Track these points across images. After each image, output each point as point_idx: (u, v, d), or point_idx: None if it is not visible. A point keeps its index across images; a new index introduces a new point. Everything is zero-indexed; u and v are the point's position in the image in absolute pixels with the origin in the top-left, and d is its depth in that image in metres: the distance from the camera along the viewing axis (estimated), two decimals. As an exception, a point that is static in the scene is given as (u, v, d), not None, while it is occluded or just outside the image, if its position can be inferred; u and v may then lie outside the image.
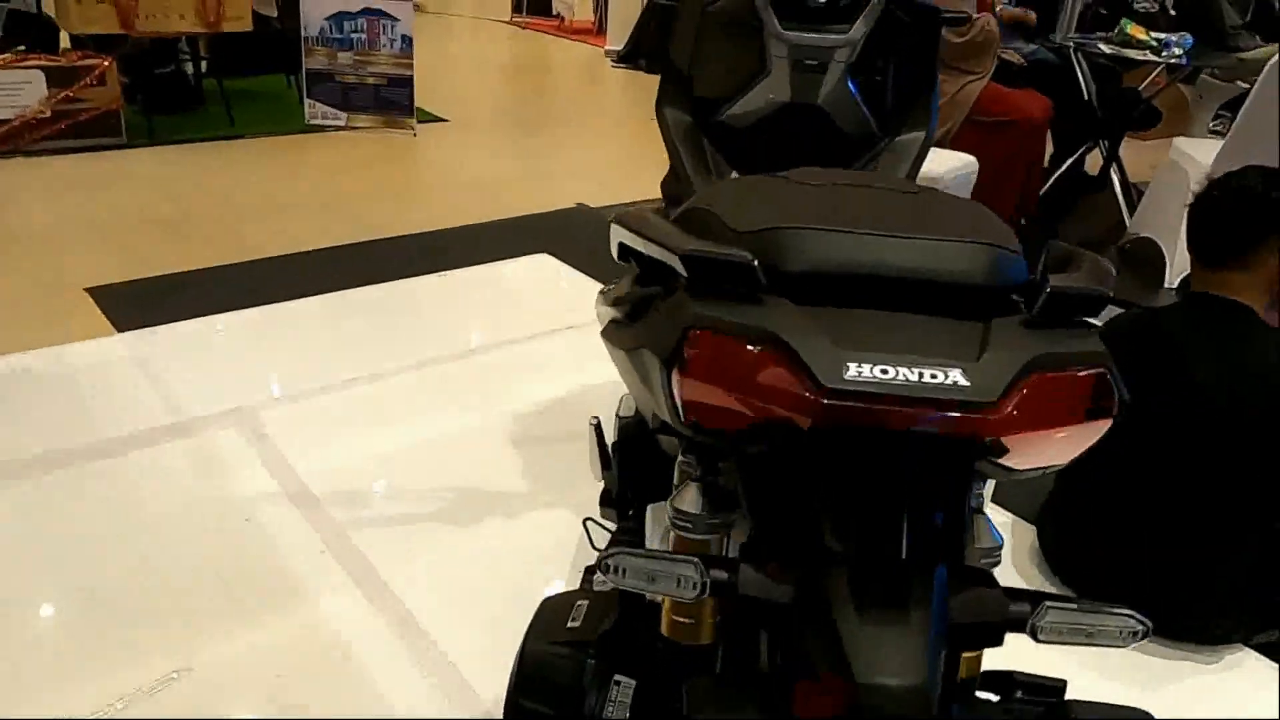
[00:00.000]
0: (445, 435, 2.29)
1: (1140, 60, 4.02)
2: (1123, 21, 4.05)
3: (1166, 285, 3.60)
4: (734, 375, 0.68)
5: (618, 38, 8.05)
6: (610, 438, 1.29)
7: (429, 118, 5.45)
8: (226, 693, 1.55)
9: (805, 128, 1.63)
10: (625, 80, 7.59)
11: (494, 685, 1.57)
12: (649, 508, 1.17)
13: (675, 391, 0.71)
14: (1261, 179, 1.74)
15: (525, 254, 3.54)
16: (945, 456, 0.70)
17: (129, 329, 2.71)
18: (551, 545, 1.92)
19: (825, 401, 0.66)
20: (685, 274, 0.73)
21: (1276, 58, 3.24)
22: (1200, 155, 3.57)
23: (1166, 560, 1.79)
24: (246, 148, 4.81)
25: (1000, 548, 0.83)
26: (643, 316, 0.83)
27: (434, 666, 1.62)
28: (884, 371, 0.66)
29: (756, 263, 0.71)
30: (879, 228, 0.76)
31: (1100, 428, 0.70)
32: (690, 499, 0.86)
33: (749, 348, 0.68)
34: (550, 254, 3.54)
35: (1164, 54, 3.92)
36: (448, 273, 3.23)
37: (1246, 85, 4.40)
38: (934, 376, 0.66)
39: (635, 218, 0.89)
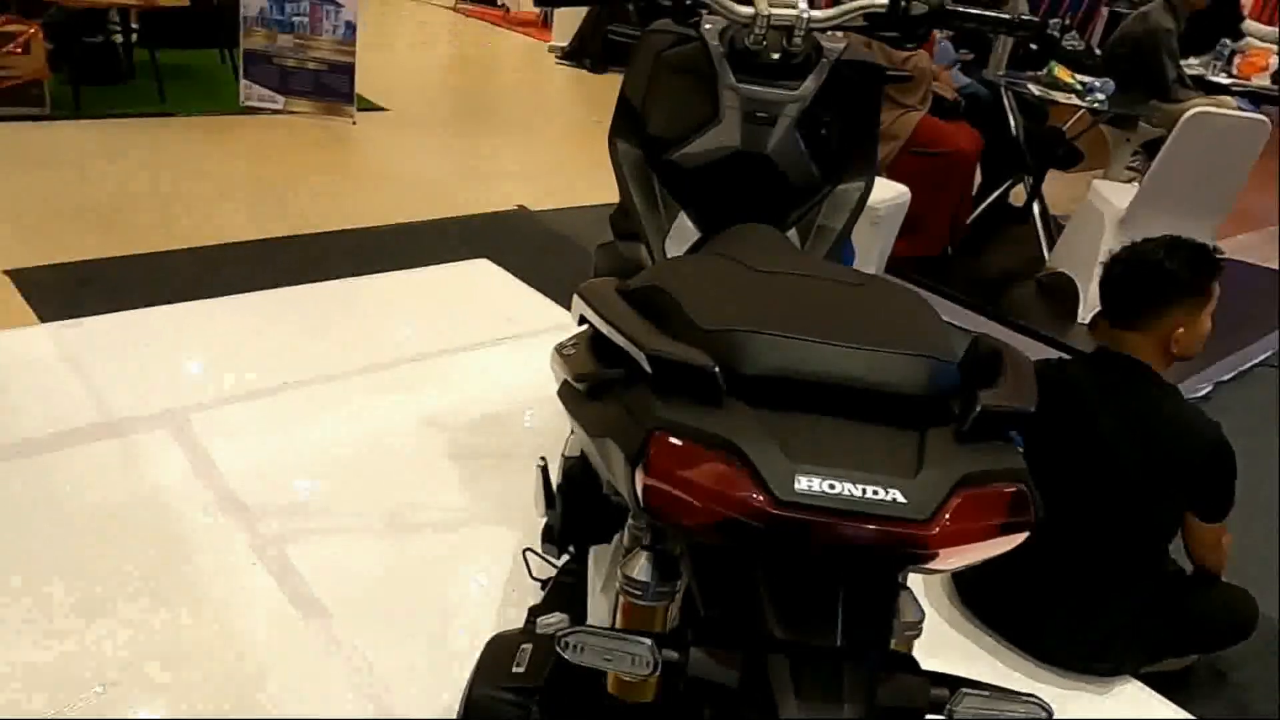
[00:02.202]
0: (381, 446, 2.29)
1: (1065, 103, 4.21)
2: (1050, 63, 4.22)
3: (1080, 320, 3.78)
4: (694, 477, 0.74)
5: (563, 33, 8.03)
6: (555, 477, 1.33)
7: (369, 106, 5.38)
8: (147, 709, 1.54)
9: (753, 174, 1.68)
10: (569, 78, 7.59)
11: (427, 708, 1.60)
12: (591, 550, 1.21)
13: (638, 486, 0.76)
14: (1165, 251, 1.87)
15: (464, 257, 3.53)
16: (880, 560, 0.76)
17: (53, 318, 2.64)
18: (489, 563, 1.95)
19: (774, 511, 0.72)
20: (649, 370, 0.78)
21: (1189, 113, 3.43)
22: (1116, 199, 3.76)
23: (1063, 597, 1.92)
24: (177, 126, 4.68)
25: (922, 620, 0.90)
26: (606, 398, 0.87)
27: (366, 688, 1.64)
28: (830, 486, 0.72)
29: (717, 369, 0.77)
30: (829, 333, 0.82)
31: (1018, 539, 0.77)
32: (640, 567, 0.91)
33: (709, 453, 0.74)
34: (489, 259, 3.55)
35: (1088, 98, 4.11)
36: (386, 274, 3.21)
37: (1167, 131, 4.65)
38: (875, 493, 0.72)
39: (600, 295, 0.93)
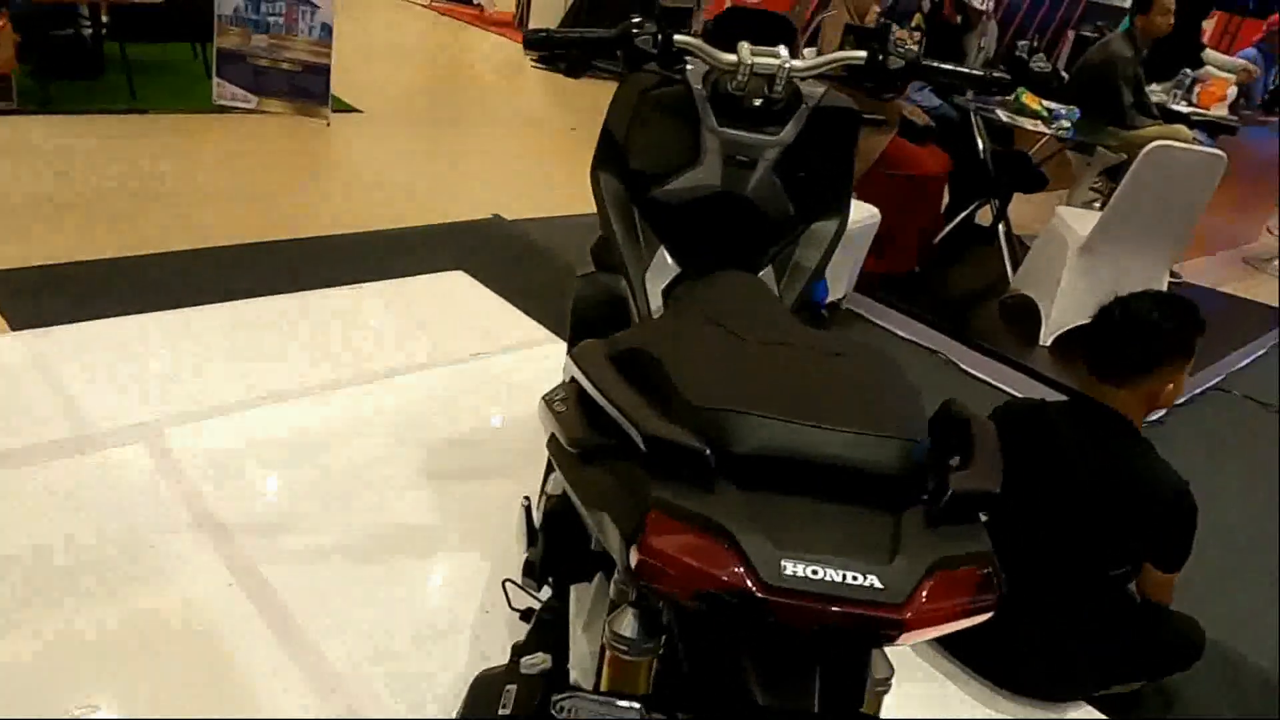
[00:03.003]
0: (359, 464, 2.31)
1: (1032, 129, 4.31)
2: (1019, 90, 4.32)
3: (1041, 343, 3.88)
4: (686, 557, 0.79)
5: (539, 36, 8.03)
6: (536, 513, 1.36)
7: (343, 107, 5.36)
8: (128, 731, 1.55)
9: (732, 214, 1.73)
10: (544, 82, 7.60)
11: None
12: (573, 589, 1.25)
13: (632, 560, 0.80)
14: (1159, 311, 1.90)
15: (438, 267, 3.55)
16: (857, 637, 0.82)
17: (22, 324, 2.62)
18: (467, 587, 1.97)
19: (761, 595, 0.78)
20: (644, 447, 0.83)
21: (1149, 147, 3.54)
22: (1078, 226, 3.86)
23: (1027, 627, 1.98)
24: (148, 124, 4.63)
25: (891, 676, 0.96)
26: (600, 466, 0.91)
27: (345, 714, 1.66)
28: (814, 572, 0.77)
29: (709, 452, 0.82)
30: (812, 414, 0.87)
31: (983, 616, 0.83)
32: (627, 624, 0.95)
33: (701, 536, 0.78)
34: (464, 269, 3.56)
35: (1053, 125, 4.21)
36: (361, 285, 3.22)
37: (1129, 157, 4.78)
38: (854, 578, 0.78)
39: (592, 361, 0.97)
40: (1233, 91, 5.23)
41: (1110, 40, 5.05)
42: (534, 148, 5.93)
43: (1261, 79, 6.22)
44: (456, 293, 3.34)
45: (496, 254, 3.88)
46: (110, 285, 2.94)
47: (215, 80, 4.92)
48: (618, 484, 0.86)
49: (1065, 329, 3.87)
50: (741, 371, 0.95)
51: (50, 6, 4.71)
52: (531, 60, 7.94)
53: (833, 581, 0.77)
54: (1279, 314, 5.01)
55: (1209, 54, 5.97)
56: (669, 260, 1.77)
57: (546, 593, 1.54)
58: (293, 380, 2.59)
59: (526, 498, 1.39)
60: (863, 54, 1.61)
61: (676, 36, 1.54)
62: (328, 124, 5.03)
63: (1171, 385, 1.94)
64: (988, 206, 4.70)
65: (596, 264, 1.88)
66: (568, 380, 1.06)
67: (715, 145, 1.64)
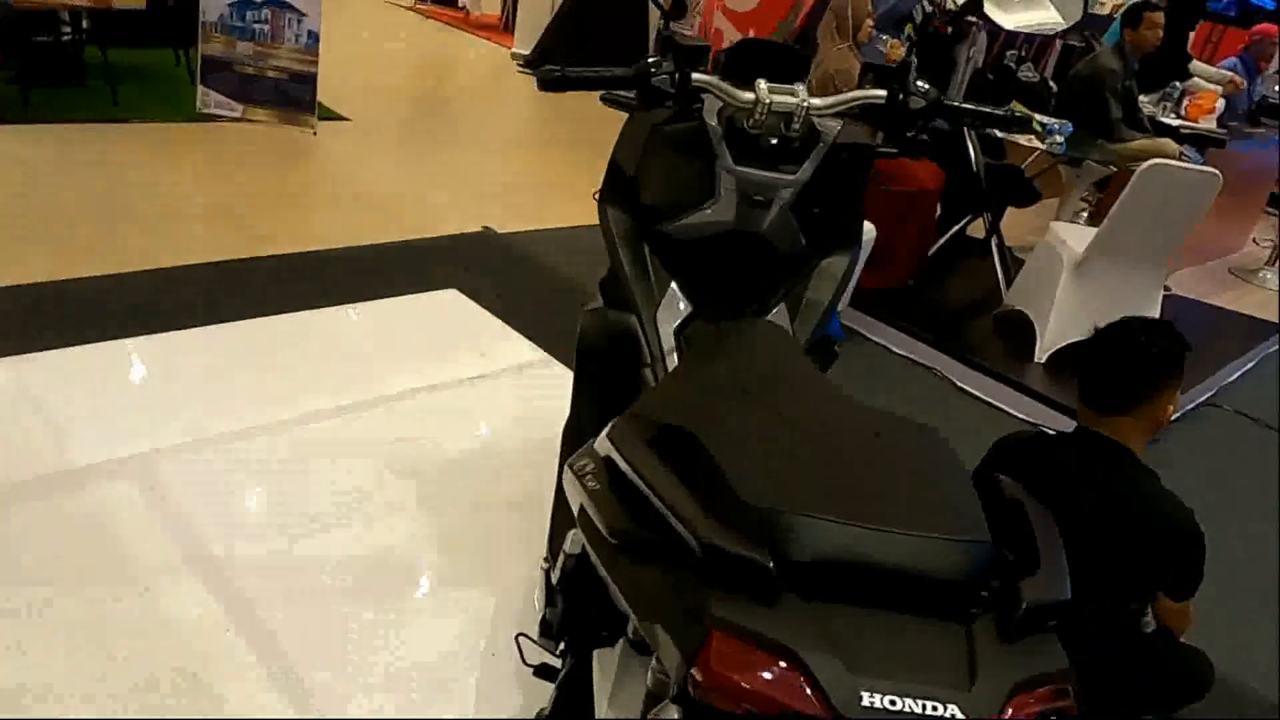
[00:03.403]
0: (356, 494, 2.25)
1: (1026, 144, 4.31)
2: (1013, 104, 4.32)
3: (1036, 359, 3.87)
4: (752, 682, 0.74)
5: (526, 40, 7.97)
6: (554, 571, 1.32)
7: (330, 115, 5.28)
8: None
9: (746, 251, 1.70)
10: (532, 89, 7.52)
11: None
12: (595, 654, 1.21)
13: (692, 681, 0.76)
14: (1147, 334, 1.90)
15: (430, 283, 3.49)
16: None
17: (1, 348, 2.54)
18: (472, 630, 1.93)
19: None
20: (699, 553, 0.79)
21: (1145, 165, 3.54)
22: (1073, 241, 3.85)
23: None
24: (131, 133, 4.54)
25: None
26: (647, 566, 0.87)
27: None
28: (893, 703, 0.73)
29: (772, 564, 0.78)
30: (872, 514, 0.83)
31: None
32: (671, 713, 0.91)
33: (769, 659, 0.74)
34: (456, 284, 3.51)
35: (1047, 140, 4.21)
36: (354, 305, 3.16)
37: (1117, 169, 4.79)
38: (935, 709, 0.74)
39: (632, 446, 0.93)
40: (1221, 104, 5.26)
41: (1099, 54, 5.06)
42: (523, 158, 5.88)
43: (1246, 90, 6.26)
44: (451, 312, 3.29)
45: (489, 269, 3.83)
46: (90, 306, 2.87)
47: (199, 88, 4.83)
48: (670, 592, 0.82)
49: (1060, 345, 3.87)
50: (792, 461, 0.91)
51: (30, 11, 4.61)
52: (517, 66, 7.88)
53: (913, 714, 0.73)
54: (1274, 327, 5.04)
55: (1195, 66, 5.99)
56: (681, 298, 1.73)
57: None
58: (284, 407, 2.53)
59: (546, 559, 1.34)
60: (882, 93, 1.58)
61: (694, 75, 1.50)
62: (314, 133, 4.96)
63: (1171, 407, 1.94)
64: (980, 220, 4.70)
65: (605, 299, 1.84)
66: (602, 457, 1.01)
67: (731, 184, 1.60)
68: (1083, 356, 1.96)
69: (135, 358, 2.65)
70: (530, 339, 3.18)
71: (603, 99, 1.84)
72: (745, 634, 0.75)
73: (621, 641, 1.18)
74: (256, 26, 4.80)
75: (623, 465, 0.94)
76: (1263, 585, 2.75)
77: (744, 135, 1.59)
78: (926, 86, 1.55)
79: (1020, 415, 3.60)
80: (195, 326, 2.84)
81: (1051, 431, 2.12)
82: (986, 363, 3.84)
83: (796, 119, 1.54)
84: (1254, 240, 6.32)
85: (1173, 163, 3.70)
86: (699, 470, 0.89)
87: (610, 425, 1.03)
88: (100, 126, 4.52)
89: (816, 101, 1.55)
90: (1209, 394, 4.15)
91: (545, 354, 3.08)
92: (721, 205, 1.63)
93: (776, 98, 1.52)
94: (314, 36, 4.85)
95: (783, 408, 0.99)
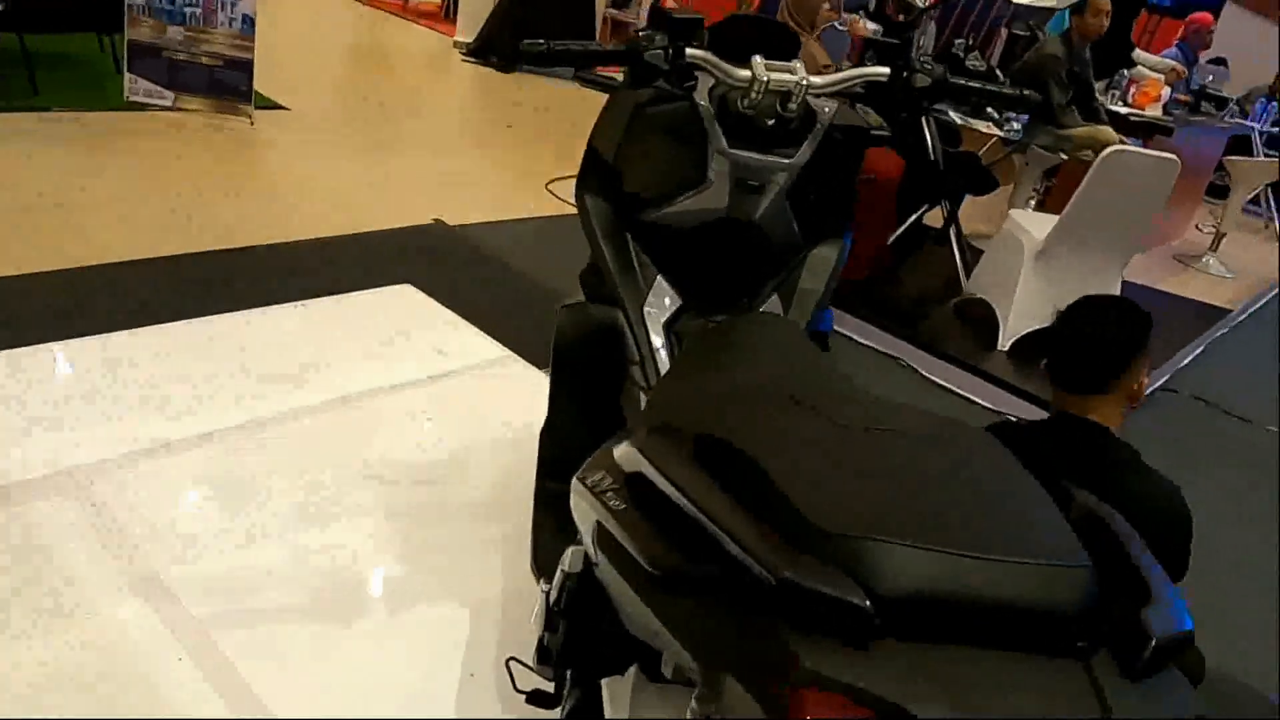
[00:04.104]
0: (312, 505, 2.11)
1: (985, 131, 4.29)
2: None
3: (999, 347, 3.85)
4: None
5: (468, 28, 7.78)
6: (553, 592, 1.21)
7: (267, 104, 5.05)
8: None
9: (738, 239, 1.60)
10: (476, 77, 7.36)
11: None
12: (604, 684, 1.10)
13: None
14: (1116, 316, 1.88)
15: (382, 277, 3.33)
16: None
17: (-82, 356, 2.34)
18: (445, 647, 1.80)
19: None
20: (775, 589, 0.68)
21: (1105, 152, 3.54)
22: (1034, 229, 3.84)
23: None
24: (54, 123, 4.28)
25: None
26: (701, 603, 0.75)
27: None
28: None
29: (868, 603, 0.67)
30: (968, 539, 0.73)
31: None
32: None
33: (872, 717, 0.64)
34: (408, 279, 3.36)
35: (1005, 128, 4.20)
36: (303, 303, 2.99)
37: (1066, 157, 4.81)
38: None
39: (672, 460, 0.81)
40: (1167, 92, 5.33)
41: (1046, 42, 5.09)
42: (471, 147, 5.71)
43: (1185, 79, 6.37)
44: (405, 308, 3.13)
45: (442, 263, 3.68)
46: (14, 308, 2.66)
47: (127, 76, 4.57)
48: (736, 634, 0.71)
49: (1023, 333, 3.86)
50: (862, 478, 0.80)
51: (-61, -6, 4.31)
52: (461, 54, 7.68)
53: None
54: (1220, 312, 5.13)
55: (1139, 55, 6.08)
56: (669, 291, 1.63)
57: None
58: (229, 412, 2.36)
59: (545, 583, 1.23)
60: (886, 70, 1.49)
61: (688, 50, 1.40)
62: (251, 122, 4.73)
63: (1143, 380, 1.92)
64: (937, 208, 4.68)
65: (587, 293, 1.72)
66: (627, 470, 0.90)
67: (725, 168, 1.50)
68: (1051, 340, 1.94)
69: (65, 363, 2.46)
70: (491, 335, 3.05)
71: (578, 78, 1.72)
72: (845, 690, 0.65)
73: (633, 670, 1.08)
74: (187, 10, 4.55)
75: (661, 483, 0.83)
76: (1236, 573, 2.75)
77: (737, 116, 1.49)
78: (931, 63, 1.47)
79: (986, 404, 3.59)
80: (130, 328, 2.65)
81: (1015, 419, 2.07)
82: (951, 352, 3.82)
83: (794, 98, 1.45)
84: (1196, 227, 6.45)
85: (1133, 148, 3.72)
86: (756, 490, 0.78)
87: (634, 435, 0.92)
88: (19, 116, 4.24)
89: (816, 80, 1.46)
90: (1164, 379, 4.19)
91: (507, 350, 2.95)
92: (713, 192, 1.53)
93: (774, 75, 1.42)
94: (249, 21, 4.62)
95: (830, 414, 0.89)
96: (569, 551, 1.18)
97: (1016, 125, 4.24)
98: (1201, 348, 4.76)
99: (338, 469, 2.23)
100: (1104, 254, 3.81)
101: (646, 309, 1.61)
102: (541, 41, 1.36)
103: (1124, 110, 5.13)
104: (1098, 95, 5.11)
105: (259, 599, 1.83)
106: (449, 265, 3.71)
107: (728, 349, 1.28)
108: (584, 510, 0.99)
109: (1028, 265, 3.82)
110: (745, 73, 1.42)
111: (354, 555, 1.99)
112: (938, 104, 4.32)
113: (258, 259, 3.32)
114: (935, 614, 0.70)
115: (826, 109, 1.53)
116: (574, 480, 1.01)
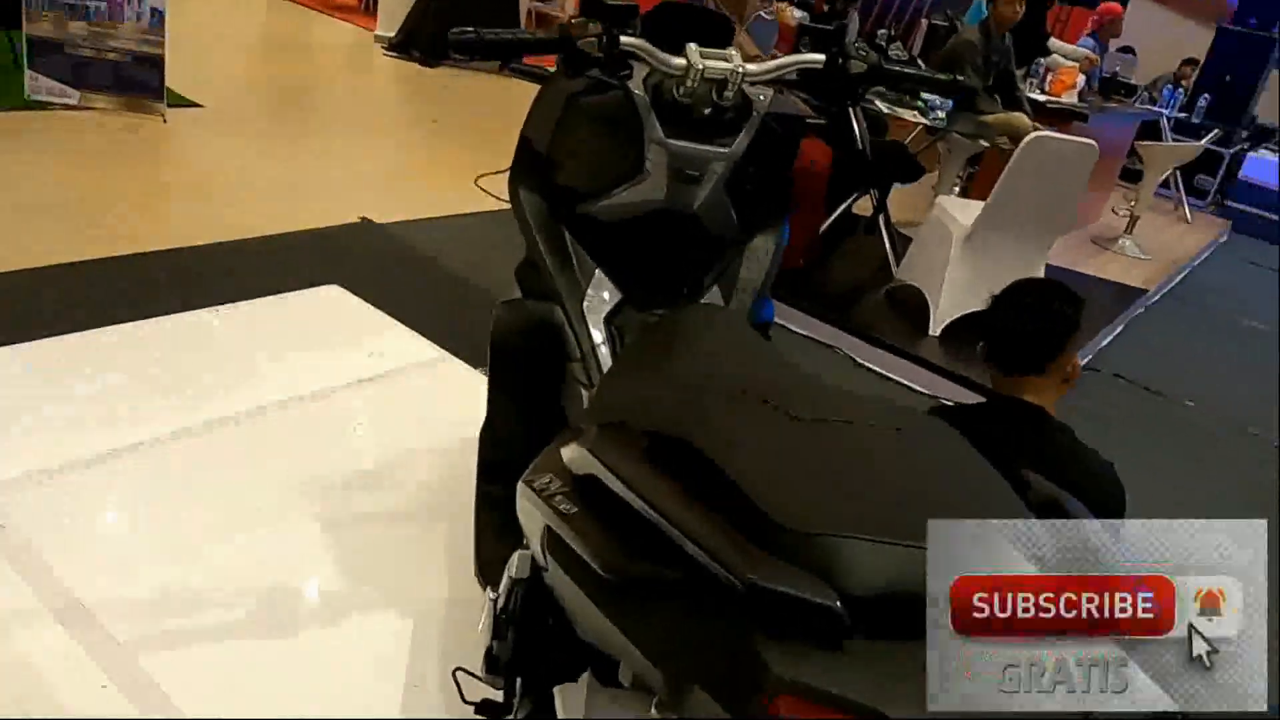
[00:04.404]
0: (241, 518, 2.02)
1: (911, 120, 4.35)
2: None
3: (931, 333, 3.91)
4: None
5: (389, 22, 7.61)
6: (500, 598, 1.17)
7: (180, 101, 4.86)
8: None
9: (676, 231, 1.58)
10: (399, 71, 7.20)
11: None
12: (556, 691, 1.07)
13: None
14: (1046, 294, 1.93)
15: (308, 279, 3.23)
16: None
17: None
18: (386, 657, 1.74)
19: None
20: (742, 593, 0.65)
21: (1028, 138, 3.61)
22: (961, 215, 3.91)
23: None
24: (-52, 124, 4.05)
25: None
26: (661, 608, 0.72)
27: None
28: None
29: (839, 604, 0.65)
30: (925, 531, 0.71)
31: None
32: None
33: None
34: (336, 280, 3.26)
35: (930, 115, 4.26)
36: (225, 307, 2.87)
37: (987, 144, 4.91)
38: None
39: (626, 459, 0.78)
40: (1081, 80, 5.48)
41: (963, 31, 5.19)
42: (397, 143, 5.58)
43: (1098, 67, 6.57)
44: (334, 309, 3.04)
45: (370, 262, 3.59)
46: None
47: (28, 73, 4.35)
48: (702, 641, 0.68)
49: (954, 318, 3.92)
50: (821, 473, 0.78)
51: None
52: (382, 49, 7.51)
53: None
54: (1137, 292, 5.30)
55: (1054, 43, 6.24)
56: (609, 285, 1.60)
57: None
58: (157, 423, 2.25)
59: (493, 593, 1.19)
60: (821, 57, 1.48)
61: (622, 38, 1.36)
62: (164, 120, 4.55)
63: (1077, 362, 1.97)
64: (866, 197, 4.73)
65: (524, 290, 1.68)
66: (573, 469, 0.86)
67: (662, 158, 1.48)
68: (987, 323, 1.97)
69: (-31, 377, 2.32)
70: (424, 335, 2.98)
71: (507, 69, 1.68)
72: (822, 697, 0.63)
73: (586, 676, 1.05)
74: (91, 4, 4.35)
75: (615, 485, 0.80)
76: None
77: (673, 106, 1.47)
78: (866, 49, 1.46)
79: (920, 389, 3.64)
80: (41, 338, 2.51)
81: (951, 403, 2.11)
82: (883, 338, 3.87)
83: (730, 86, 1.43)
84: (1113, 211, 6.65)
85: (1053, 134, 3.80)
86: (715, 489, 0.75)
87: (583, 435, 0.88)
88: (-91, 116, 4.01)
89: (752, 67, 1.44)
90: (1087, 358, 4.30)
91: (442, 350, 2.88)
92: (650, 183, 1.50)
93: (710, 63, 1.40)
94: (158, 15, 4.44)
95: (783, 406, 0.87)
96: (515, 557, 1.15)
97: (941, 114, 4.30)
98: (1121, 327, 4.92)
99: (268, 478, 2.15)
100: (1029, 238, 3.89)
101: (586, 304, 1.58)
102: (471, 30, 1.32)
103: (1042, 98, 5.26)
104: (1019, 84, 5.23)
105: (188, 619, 1.75)
106: (378, 264, 3.62)
107: (672, 343, 1.25)
108: (531, 515, 0.95)
109: (956, 251, 3.88)
110: (681, 61, 1.40)
111: (288, 567, 1.92)
112: (871, 92, 4.38)
113: (174, 263, 3.19)
114: (903, 610, 0.68)
115: (762, 97, 1.52)
116: (520, 484, 0.97)
